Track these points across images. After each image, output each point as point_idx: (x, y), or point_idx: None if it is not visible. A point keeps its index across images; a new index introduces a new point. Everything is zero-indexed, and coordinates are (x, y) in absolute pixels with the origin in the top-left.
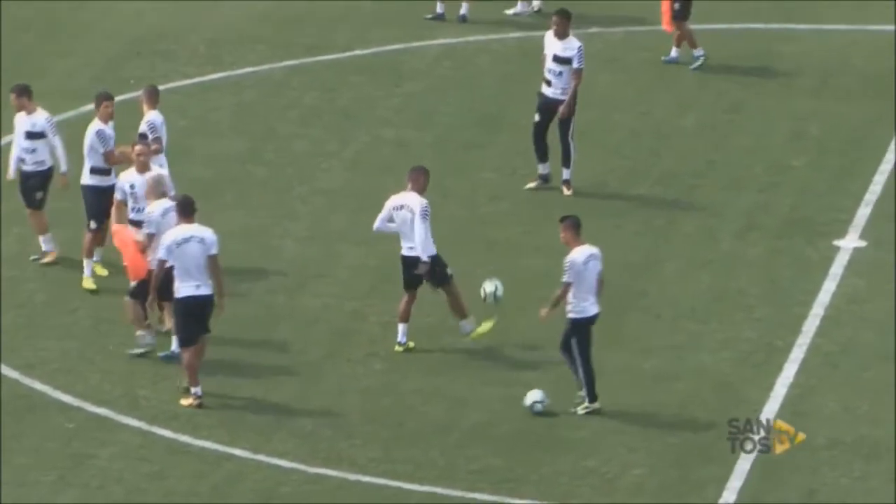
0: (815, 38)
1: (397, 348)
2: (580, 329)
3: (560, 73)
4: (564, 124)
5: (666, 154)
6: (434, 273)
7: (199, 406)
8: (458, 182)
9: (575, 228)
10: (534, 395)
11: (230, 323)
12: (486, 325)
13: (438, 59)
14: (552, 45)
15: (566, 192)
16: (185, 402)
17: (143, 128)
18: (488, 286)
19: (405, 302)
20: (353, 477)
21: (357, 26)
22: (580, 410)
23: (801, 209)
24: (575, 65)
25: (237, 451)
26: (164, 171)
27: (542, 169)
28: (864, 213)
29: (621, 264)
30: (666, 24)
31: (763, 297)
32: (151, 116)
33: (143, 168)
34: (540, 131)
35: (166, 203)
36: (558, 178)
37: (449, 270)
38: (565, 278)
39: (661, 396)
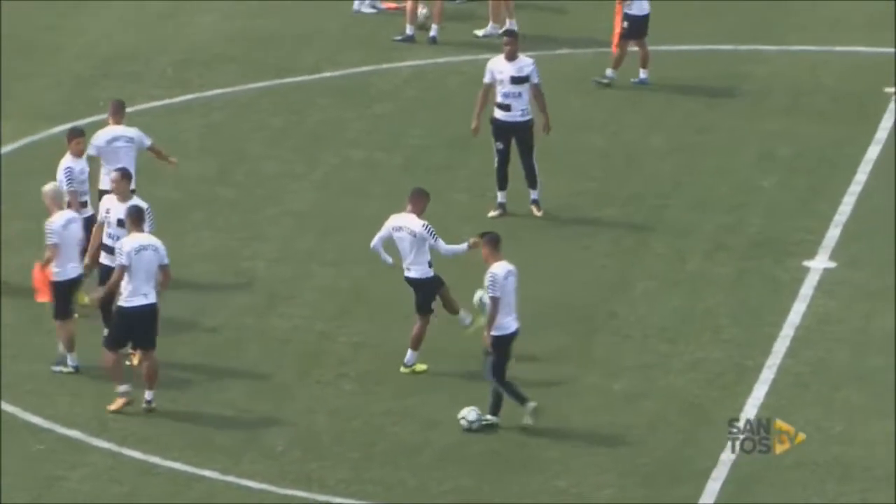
0: (784, 59)
1: (403, 369)
2: (501, 345)
3: (520, 94)
4: (528, 146)
5: (635, 175)
6: (420, 297)
7: (129, 404)
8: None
9: (494, 244)
10: (466, 412)
11: (200, 344)
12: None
13: (408, 80)
14: (505, 68)
15: (536, 212)
16: (113, 406)
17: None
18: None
19: (417, 327)
20: (322, 498)
21: (326, 48)
22: (525, 422)
23: (771, 230)
24: (535, 80)
25: (207, 473)
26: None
27: (501, 197)
28: (833, 233)
29: (590, 285)
30: (615, 48)
31: (732, 317)
32: (96, 138)
33: (124, 197)
34: (505, 159)
35: (68, 214)
36: (525, 200)
37: (433, 305)
38: (492, 293)
39: (630, 417)
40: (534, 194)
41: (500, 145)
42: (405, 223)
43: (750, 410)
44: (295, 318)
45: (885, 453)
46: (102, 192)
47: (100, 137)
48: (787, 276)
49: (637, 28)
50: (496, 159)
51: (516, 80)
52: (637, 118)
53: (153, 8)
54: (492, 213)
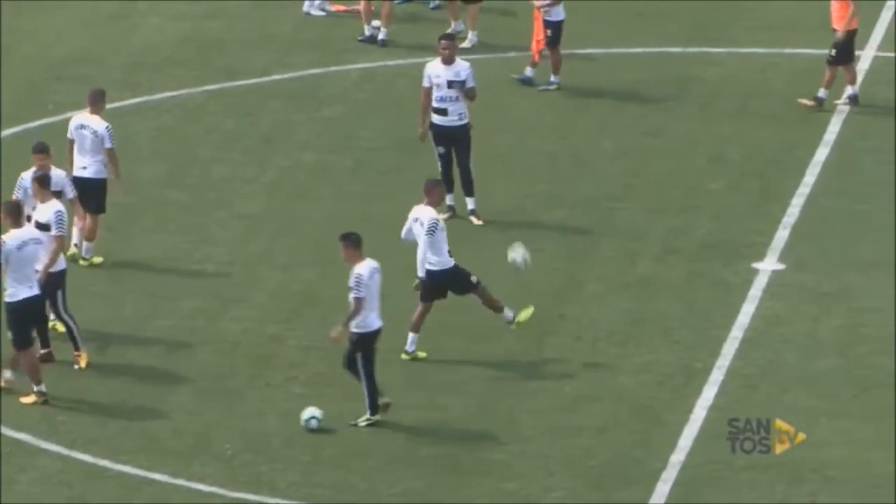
0: (734, 62)
1: (403, 356)
2: (365, 343)
3: (456, 98)
4: (464, 150)
5: (585, 178)
6: (457, 284)
7: (45, 403)
8: (378, 206)
9: (356, 245)
10: (310, 411)
11: (150, 347)
12: (527, 312)
13: (357, 83)
14: (441, 72)
15: (477, 222)
16: (27, 399)
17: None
18: (518, 257)
19: (419, 313)
20: (272, 501)
21: (276, 50)
22: (361, 423)
23: (720, 232)
24: (470, 83)
25: (157, 476)
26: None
27: (449, 200)
28: (782, 235)
29: (541, 288)
30: (536, 52)
31: (682, 319)
32: (71, 122)
33: (41, 199)
34: (448, 163)
35: None
36: (461, 208)
37: (473, 278)
38: (356, 294)
39: (580, 419)
40: (471, 203)
41: (441, 150)
42: (420, 214)
43: (699, 412)
44: (245, 321)
45: (833, 454)
46: (74, 179)
47: (71, 122)
48: (737, 278)
49: (560, 33)
50: (439, 163)
51: (453, 84)
52: (586, 121)
53: (103, 10)
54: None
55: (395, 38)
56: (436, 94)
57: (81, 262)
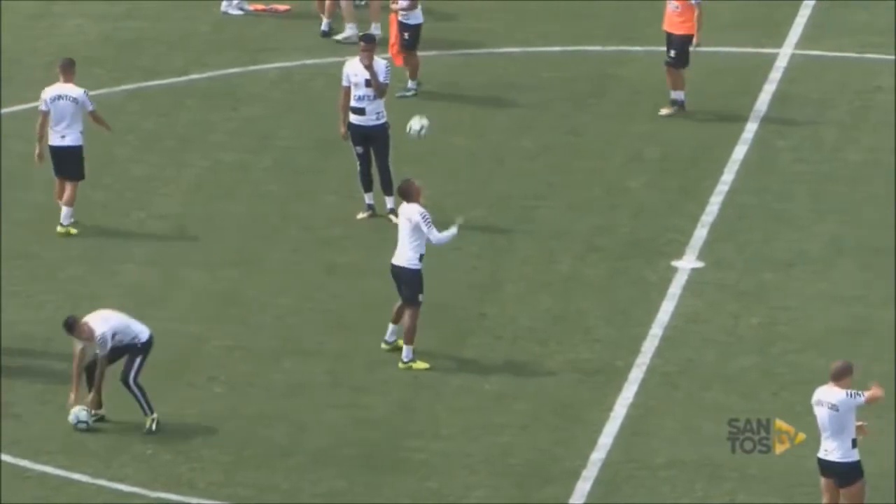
0: (651, 60)
1: (383, 346)
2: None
3: (374, 98)
4: (383, 150)
5: (505, 177)
6: (406, 285)
7: None
8: (296, 206)
9: (80, 326)
10: (76, 412)
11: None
12: (422, 365)
13: (275, 82)
14: (360, 70)
15: (396, 220)
16: None
17: None
18: (415, 124)
19: (397, 307)
20: (194, 501)
21: (194, 50)
22: (153, 427)
23: (640, 231)
24: (383, 80)
25: (78, 476)
26: None
27: (368, 199)
28: (701, 233)
29: (461, 286)
30: (394, 55)
31: (603, 318)
32: (44, 93)
33: None
34: (366, 161)
35: None
36: (380, 207)
37: (420, 297)
38: (102, 352)
39: (502, 417)
40: (390, 203)
41: (359, 149)
42: (405, 213)
43: (620, 410)
44: (165, 321)
45: (753, 452)
46: (52, 149)
47: (46, 93)
48: (656, 276)
49: (418, 37)
50: (357, 163)
51: (370, 83)
52: (505, 120)
53: (21, 10)
54: (360, 215)
55: (313, 39)
56: (354, 93)
57: (59, 228)
